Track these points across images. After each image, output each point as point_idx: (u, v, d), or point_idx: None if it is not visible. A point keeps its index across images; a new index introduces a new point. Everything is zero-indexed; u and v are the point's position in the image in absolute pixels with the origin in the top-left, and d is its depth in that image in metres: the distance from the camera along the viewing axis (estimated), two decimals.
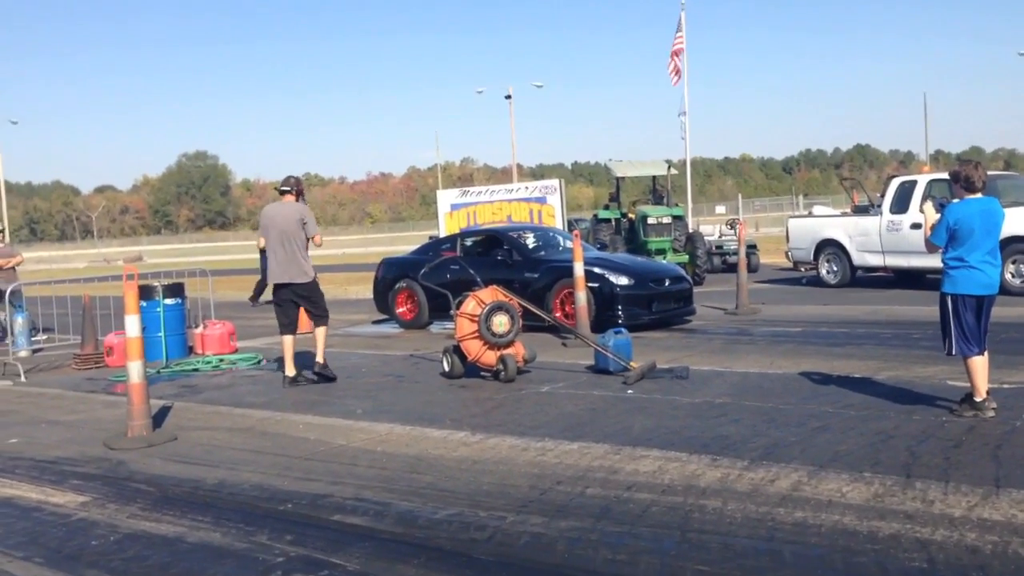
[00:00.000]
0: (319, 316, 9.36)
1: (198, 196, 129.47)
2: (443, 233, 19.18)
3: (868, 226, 16.15)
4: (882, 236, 15.76)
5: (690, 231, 21.02)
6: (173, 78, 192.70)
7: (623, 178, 21.98)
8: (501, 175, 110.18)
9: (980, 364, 6.17)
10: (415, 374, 9.51)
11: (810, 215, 20.28)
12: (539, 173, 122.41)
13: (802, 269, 18.94)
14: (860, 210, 17.81)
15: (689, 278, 13.41)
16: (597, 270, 11.76)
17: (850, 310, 13.08)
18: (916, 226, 14.36)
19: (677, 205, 21.95)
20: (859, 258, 16.42)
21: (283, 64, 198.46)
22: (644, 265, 13.01)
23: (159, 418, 7.49)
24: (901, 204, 15.47)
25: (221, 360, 11.03)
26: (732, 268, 19.70)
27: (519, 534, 4.37)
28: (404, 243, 50.81)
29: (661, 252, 19.16)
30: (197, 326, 12.41)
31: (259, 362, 10.93)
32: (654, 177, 22.40)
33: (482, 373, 8.89)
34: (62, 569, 4.30)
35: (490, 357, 8.69)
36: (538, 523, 4.49)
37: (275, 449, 6.44)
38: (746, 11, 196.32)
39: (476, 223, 19.56)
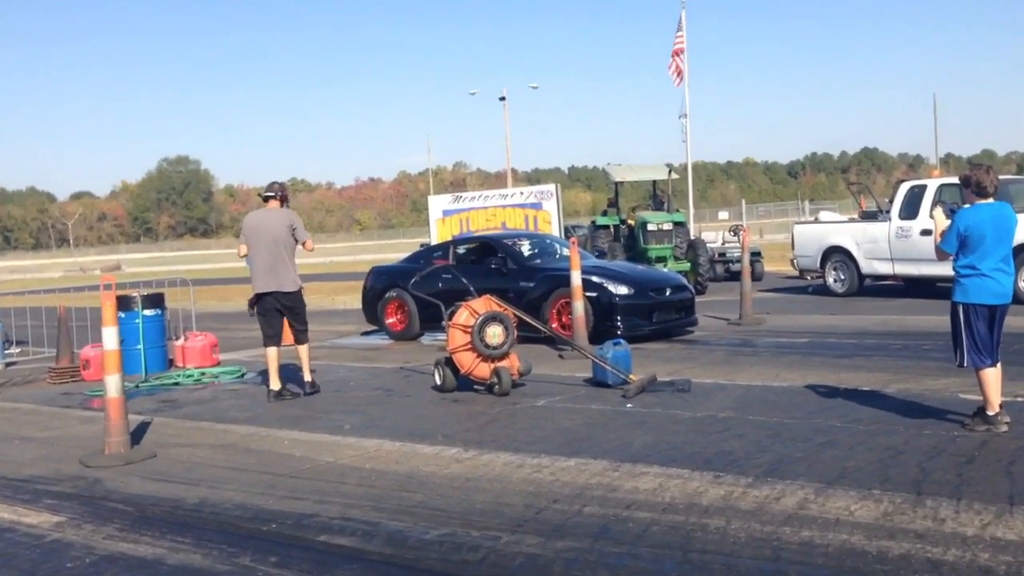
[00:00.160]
0: (301, 331, 9.39)
1: (179, 202, 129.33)
2: (435, 240, 19.15)
3: (876, 233, 16.19)
4: (891, 243, 15.81)
5: (692, 238, 21.06)
6: (153, 80, 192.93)
7: (622, 183, 22.03)
8: (495, 180, 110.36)
9: (993, 376, 6.19)
10: (405, 388, 9.50)
11: (816, 221, 20.33)
12: (535, 178, 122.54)
13: (808, 277, 18.99)
14: (868, 216, 17.88)
15: (691, 287, 13.42)
16: (595, 279, 11.78)
17: (858, 320, 13.11)
18: (926, 232, 14.40)
19: (678, 211, 22.00)
20: (867, 266, 16.46)
21: (268, 65, 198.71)
22: (644, 274, 13.03)
23: (138, 434, 7.46)
24: (911, 210, 15.52)
25: (203, 373, 11.01)
26: (735, 276, 19.70)
27: (514, 555, 4.36)
28: (394, 251, 50.85)
29: (662, 260, 19.19)
30: (178, 338, 12.39)
31: (242, 375, 10.91)
32: (654, 182, 22.46)
33: (475, 386, 8.88)
34: None
35: (484, 370, 8.68)
36: (534, 543, 4.48)
37: (259, 466, 6.42)
38: (749, 9, 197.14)
39: (469, 230, 19.54)
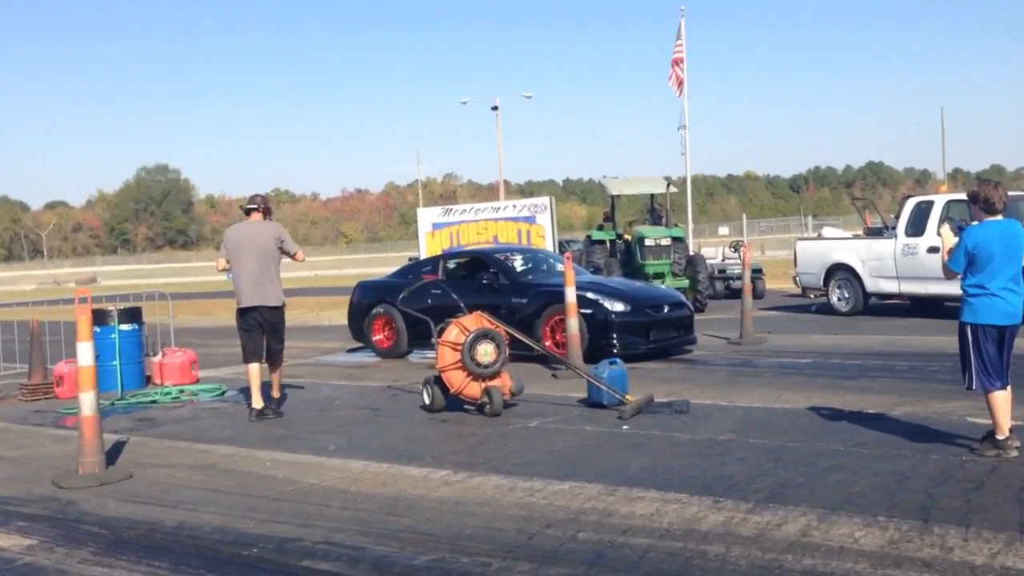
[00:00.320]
0: (279, 350, 9.48)
1: (158, 213, 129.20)
2: (424, 255, 19.17)
3: (882, 250, 16.26)
4: (897, 261, 15.87)
5: (691, 254, 21.13)
6: (132, 85, 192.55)
7: (619, 196, 22.10)
8: (487, 192, 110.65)
9: (1003, 399, 6.21)
10: (393, 407, 9.49)
11: (819, 237, 20.41)
12: (528, 190, 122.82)
13: (811, 296, 19.03)
14: (873, 232, 17.94)
15: (690, 304, 13.46)
16: (590, 295, 11.80)
17: (863, 340, 13.14)
18: (933, 250, 14.47)
19: (677, 226, 22.07)
20: (872, 284, 16.52)
21: (252, 72, 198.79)
22: (641, 290, 13.05)
23: (113, 454, 7.44)
24: (917, 226, 15.59)
25: (181, 391, 10.98)
26: (736, 294, 19.75)
27: None
28: (381, 265, 50.84)
29: (659, 276, 19.23)
30: (155, 354, 12.36)
31: (222, 393, 10.89)
32: (652, 195, 22.54)
33: (465, 406, 8.88)
34: None
35: (474, 389, 8.68)
36: (526, 570, 4.47)
37: (239, 488, 6.41)
38: (750, 17, 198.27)
39: (460, 244, 19.56)
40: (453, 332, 8.80)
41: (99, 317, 11.03)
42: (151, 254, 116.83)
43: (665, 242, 19.89)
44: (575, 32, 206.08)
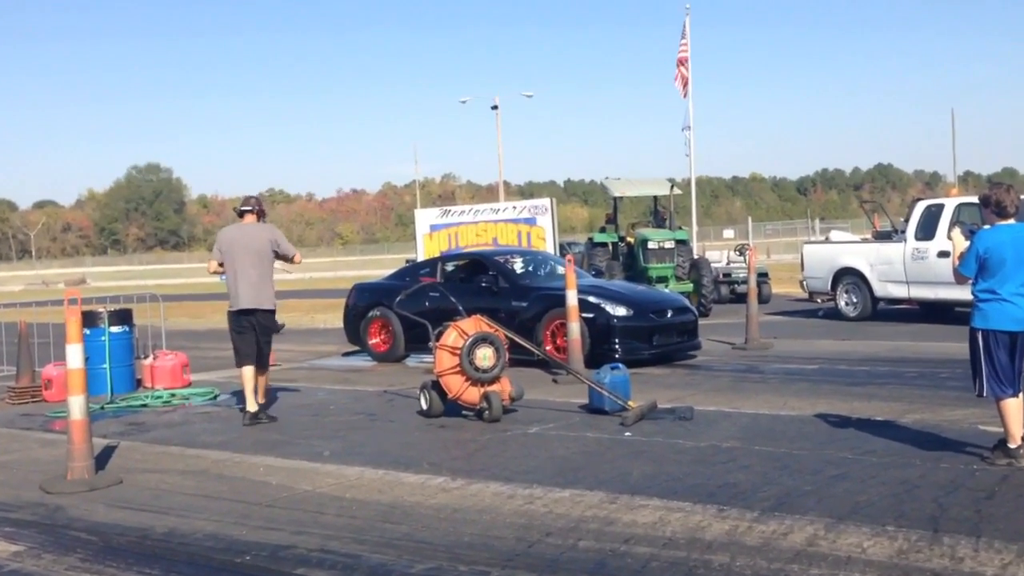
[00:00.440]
0: (265, 357, 9.57)
1: (149, 213, 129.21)
2: (421, 256, 19.18)
3: (891, 254, 16.27)
4: (906, 265, 15.88)
5: (695, 257, 21.14)
6: (124, 83, 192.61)
7: (621, 198, 22.11)
8: (486, 193, 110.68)
9: (1014, 407, 6.21)
10: (389, 412, 9.50)
11: (827, 241, 20.44)
12: (528, 191, 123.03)
13: (818, 300, 19.06)
14: (882, 236, 17.97)
15: (694, 309, 13.47)
16: (592, 299, 11.80)
17: (871, 346, 13.15)
18: (943, 254, 14.49)
19: (681, 228, 22.08)
20: (881, 289, 16.53)
21: (246, 70, 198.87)
22: (644, 294, 13.07)
23: (103, 459, 7.44)
24: (927, 230, 15.61)
25: (173, 395, 10.99)
26: (741, 298, 19.76)
27: None
28: (378, 267, 50.85)
29: (663, 280, 19.24)
30: (146, 357, 12.37)
31: (215, 397, 10.90)
32: (655, 197, 22.54)
33: (464, 412, 8.88)
34: None
35: (473, 394, 8.69)
36: None
37: (232, 494, 6.41)
38: (756, 17, 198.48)
39: (458, 246, 19.57)
40: (451, 336, 8.80)
41: (89, 319, 11.04)
42: (142, 255, 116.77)
43: (669, 245, 19.90)
44: (577, 30, 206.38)
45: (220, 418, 9.61)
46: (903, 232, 16.41)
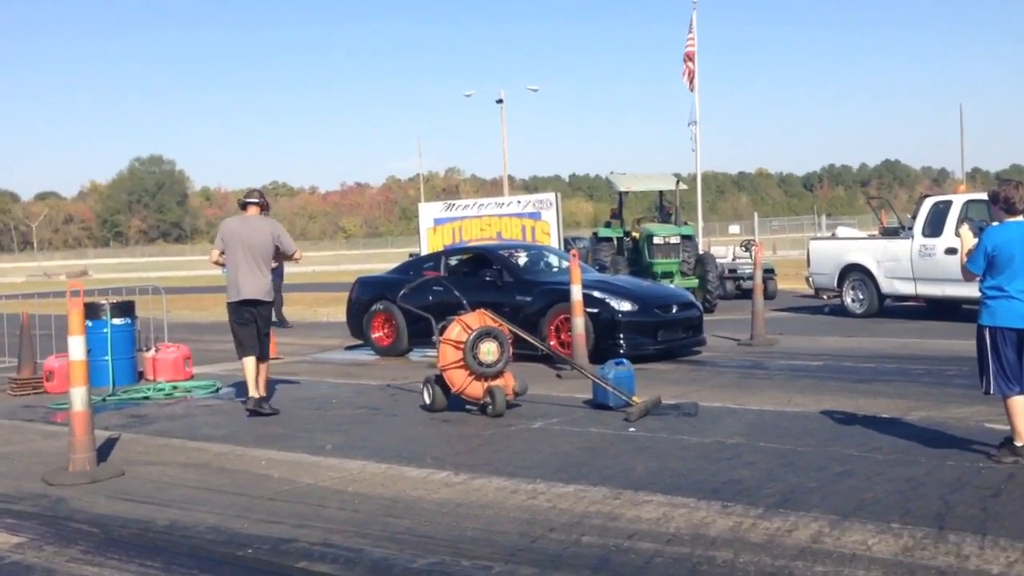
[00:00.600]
0: (266, 347, 9.66)
1: (151, 205, 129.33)
2: (425, 250, 19.20)
3: (898, 250, 16.25)
4: (913, 262, 15.86)
5: (700, 253, 21.15)
6: (127, 74, 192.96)
7: (626, 193, 22.10)
8: (491, 187, 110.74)
9: (1021, 405, 6.20)
10: (392, 406, 9.50)
11: (834, 237, 20.40)
12: (533, 186, 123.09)
13: (824, 297, 19.03)
14: (889, 232, 17.94)
15: (699, 304, 13.46)
16: (597, 294, 11.80)
17: (877, 343, 13.14)
18: (951, 251, 14.46)
19: (686, 224, 22.10)
20: (888, 285, 16.51)
21: (249, 62, 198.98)
22: (649, 289, 13.07)
23: (104, 451, 7.45)
24: (935, 227, 15.58)
25: (175, 387, 11.00)
26: (747, 294, 19.76)
27: None
28: (381, 261, 50.89)
29: (668, 275, 19.24)
30: (148, 349, 12.38)
31: (217, 390, 10.91)
32: (661, 192, 22.54)
33: (467, 406, 8.89)
34: None
35: (476, 389, 8.69)
36: (528, 574, 4.48)
37: (234, 487, 6.42)
38: (763, 11, 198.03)
39: (462, 240, 19.59)
40: (455, 330, 8.81)
41: (91, 311, 11.05)
42: (144, 247, 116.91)
43: (674, 240, 19.88)
44: (583, 24, 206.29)
45: (222, 411, 9.62)
46: (910, 229, 16.39)
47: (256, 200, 9.67)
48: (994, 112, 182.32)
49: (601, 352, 11.01)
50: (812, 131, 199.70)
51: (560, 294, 11.67)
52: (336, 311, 19.36)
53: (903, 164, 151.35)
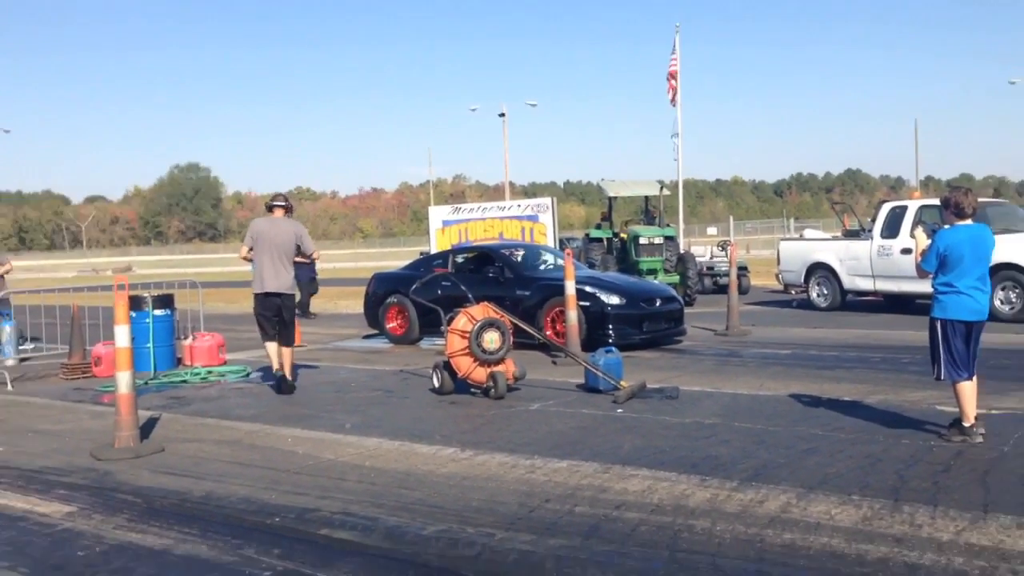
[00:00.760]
0: (290, 334, 9.77)
1: (189, 208, 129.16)
2: (434, 249, 19.18)
3: (859, 250, 16.23)
4: (872, 261, 15.85)
5: (681, 252, 21.08)
6: (167, 89, 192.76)
7: (615, 198, 22.05)
8: (493, 192, 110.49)
9: (969, 389, 6.21)
10: (405, 389, 9.50)
11: (801, 238, 20.38)
12: (531, 191, 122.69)
13: (792, 292, 19.02)
14: (851, 234, 17.92)
15: (680, 298, 13.44)
16: (589, 289, 11.79)
17: (840, 334, 13.13)
18: (906, 251, 14.45)
19: (669, 225, 22.03)
20: (849, 282, 16.50)
21: (277, 78, 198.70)
22: (635, 285, 13.05)
23: (146, 429, 7.44)
24: (892, 229, 15.57)
25: (210, 372, 11.00)
26: (723, 289, 19.72)
27: (508, 551, 4.36)
28: (395, 259, 50.85)
29: (652, 272, 19.20)
30: (186, 337, 12.37)
31: (247, 375, 10.90)
32: (646, 197, 22.48)
33: (472, 390, 8.88)
34: None
35: (480, 374, 8.69)
36: (527, 540, 4.48)
37: (263, 462, 6.42)
38: (740, 33, 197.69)
39: (468, 240, 19.57)
40: (461, 321, 8.80)
41: (135, 303, 11.05)
42: (182, 245, 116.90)
43: (658, 241, 19.84)
44: (578, 45, 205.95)
45: (252, 393, 9.62)
46: (870, 231, 16.37)
47: (282, 203, 9.81)
48: (945, 126, 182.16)
49: (592, 341, 11.00)
50: (782, 143, 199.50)
51: (555, 289, 11.65)
52: (355, 304, 19.33)
53: (863, 173, 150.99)
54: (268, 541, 4.64)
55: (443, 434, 7.12)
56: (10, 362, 12.36)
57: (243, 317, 18.96)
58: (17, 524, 5.14)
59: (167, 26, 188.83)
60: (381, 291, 14.24)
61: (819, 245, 17.82)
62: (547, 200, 19.88)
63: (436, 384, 9.05)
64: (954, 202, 6.28)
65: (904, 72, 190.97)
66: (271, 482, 5.82)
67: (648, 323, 12.00)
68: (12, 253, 71.81)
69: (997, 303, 13.45)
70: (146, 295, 11.67)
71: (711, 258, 24.18)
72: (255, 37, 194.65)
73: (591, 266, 17.85)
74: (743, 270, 21.92)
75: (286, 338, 9.66)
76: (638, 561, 4.17)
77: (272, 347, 9.60)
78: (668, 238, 20.33)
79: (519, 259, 13.50)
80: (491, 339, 8.64)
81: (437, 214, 21.32)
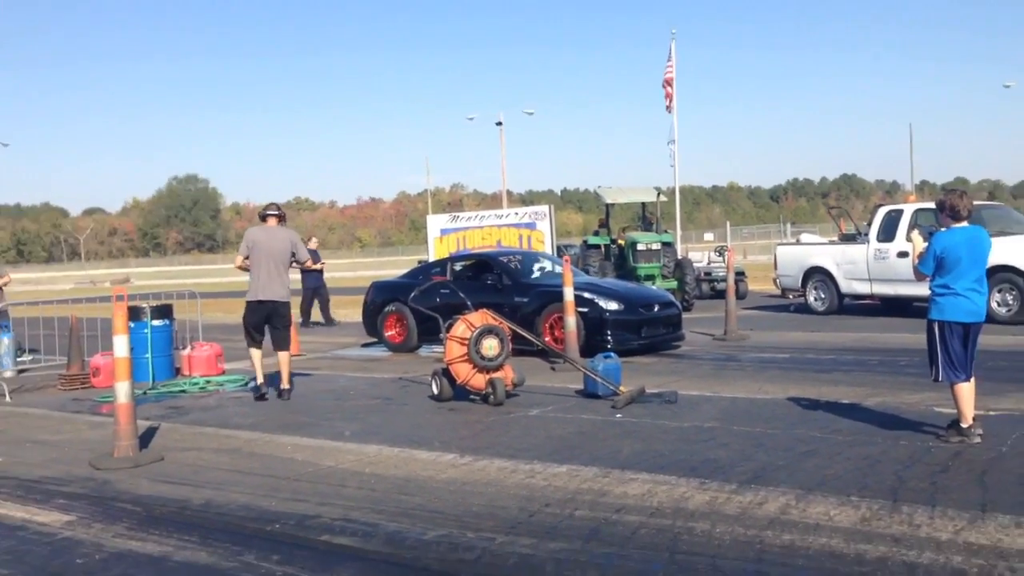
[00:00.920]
0: (286, 339, 9.82)
1: (187, 219, 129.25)
2: (433, 257, 19.18)
3: (855, 254, 16.25)
4: (869, 264, 15.86)
5: (679, 257, 21.11)
6: (165, 100, 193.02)
7: (613, 204, 22.07)
8: (491, 201, 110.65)
9: (966, 390, 6.21)
10: (404, 397, 9.49)
11: (798, 243, 20.40)
12: (529, 199, 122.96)
13: (790, 296, 19.02)
14: (847, 238, 17.93)
15: (678, 304, 13.45)
16: (587, 295, 11.79)
17: (837, 337, 13.14)
18: (903, 254, 14.47)
19: (666, 231, 22.06)
20: (846, 286, 16.51)
21: (275, 89, 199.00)
22: (633, 290, 13.05)
23: (145, 439, 7.44)
24: (888, 233, 15.58)
25: (208, 382, 10.99)
26: (720, 294, 19.76)
27: (507, 555, 4.36)
28: (393, 267, 50.81)
29: (650, 278, 19.21)
30: (184, 348, 12.37)
31: (246, 384, 10.88)
32: (643, 204, 22.51)
33: (471, 396, 8.88)
34: None
35: (479, 380, 8.69)
36: (527, 544, 4.48)
37: (262, 470, 6.41)
38: (735, 39, 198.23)
39: (466, 248, 19.58)
40: (460, 328, 8.80)
41: (133, 313, 11.04)
42: (180, 256, 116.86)
43: (655, 247, 19.86)
44: (574, 54, 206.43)
45: (250, 402, 9.60)
46: (866, 235, 16.37)
47: (275, 212, 9.87)
48: (941, 130, 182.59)
49: (591, 347, 11.00)
50: (778, 148, 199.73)
51: (554, 295, 11.65)
52: (353, 312, 19.32)
53: (859, 177, 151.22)
54: (268, 548, 4.63)
55: (442, 440, 7.12)
56: (8, 373, 12.34)
57: (241, 327, 18.94)
58: (16, 533, 5.14)
59: (166, 36, 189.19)
60: (379, 299, 14.24)
61: (816, 250, 17.84)
62: (544, 208, 19.91)
63: (435, 391, 9.05)
64: (949, 205, 6.30)
65: (899, 77, 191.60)
66: (271, 489, 5.81)
67: (646, 328, 12.00)
68: (11, 265, 71.78)
69: (994, 305, 13.45)
70: (145, 305, 11.67)
71: (708, 263, 24.21)
72: (253, 48, 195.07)
73: (589, 272, 17.85)
74: (740, 275, 21.94)
75: (282, 343, 9.73)
76: (638, 563, 4.17)
77: (257, 355, 9.71)
78: (666, 244, 20.35)
79: (517, 266, 13.50)
80: (490, 346, 8.63)
81: (435, 223, 21.34)
